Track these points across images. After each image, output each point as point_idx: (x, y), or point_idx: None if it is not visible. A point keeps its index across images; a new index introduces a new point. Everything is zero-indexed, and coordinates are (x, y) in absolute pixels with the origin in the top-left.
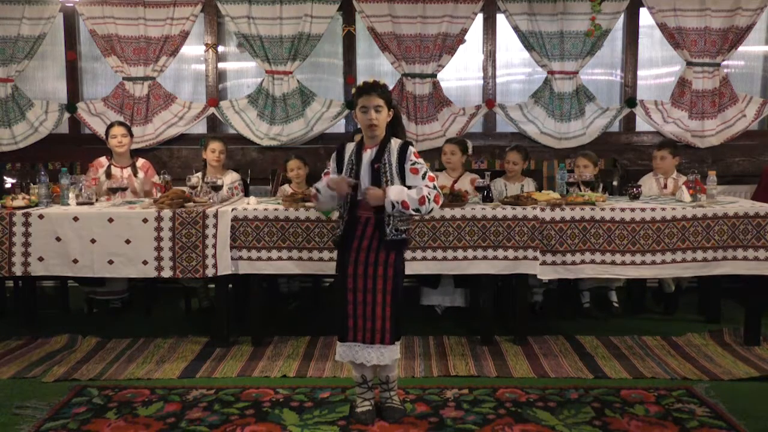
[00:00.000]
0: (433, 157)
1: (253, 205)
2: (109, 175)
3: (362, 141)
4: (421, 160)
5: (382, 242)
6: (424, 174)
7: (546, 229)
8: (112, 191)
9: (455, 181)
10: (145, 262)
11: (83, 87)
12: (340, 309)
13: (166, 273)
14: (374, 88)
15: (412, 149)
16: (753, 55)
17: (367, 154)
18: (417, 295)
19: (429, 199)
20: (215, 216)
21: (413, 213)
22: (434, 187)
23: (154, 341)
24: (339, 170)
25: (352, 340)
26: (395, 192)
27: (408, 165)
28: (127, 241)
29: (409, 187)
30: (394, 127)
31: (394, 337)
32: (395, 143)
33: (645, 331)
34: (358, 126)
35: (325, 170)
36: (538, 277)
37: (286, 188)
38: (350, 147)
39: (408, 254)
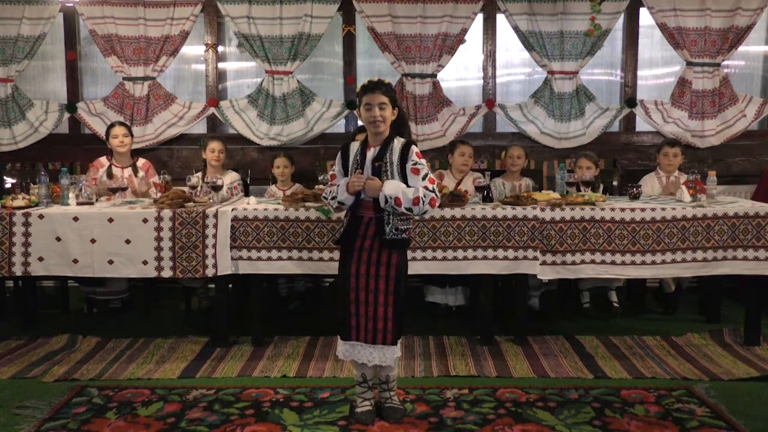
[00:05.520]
0: (432, 157)
1: (253, 205)
2: (110, 175)
3: (366, 140)
4: (423, 161)
5: (384, 241)
6: (425, 175)
7: (546, 229)
8: (113, 191)
9: (459, 183)
10: (145, 262)
11: (83, 87)
12: (342, 308)
13: (166, 273)
14: (378, 85)
15: (414, 149)
16: (753, 55)
17: (370, 153)
18: (419, 295)
19: (423, 201)
20: (215, 216)
21: (405, 211)
22: (432, 190)
23: (154, 341)
24: (345, 170)
25: (354, 340)
26: (391, 186)
27: (409, 164)
28: (127, 241)
29: (409, 187)
30: (399, 127)
31: (396, 338)
32: (398, 142)
33: (645, 331)
34: (359, 125)
35: (331, 172)
36: (538, 276)
37: (273, 189)
38: (355, 147)
39: (408, 254)
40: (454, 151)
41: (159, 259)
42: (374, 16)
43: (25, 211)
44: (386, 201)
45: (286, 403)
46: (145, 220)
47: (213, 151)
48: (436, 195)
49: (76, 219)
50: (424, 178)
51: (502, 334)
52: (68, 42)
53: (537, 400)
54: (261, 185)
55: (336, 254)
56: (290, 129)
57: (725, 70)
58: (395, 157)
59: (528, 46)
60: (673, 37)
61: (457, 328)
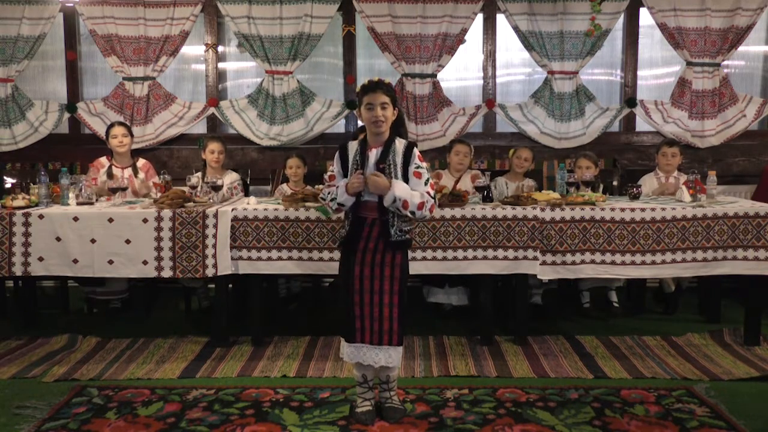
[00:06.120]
0: (432, 157)
1: (253, 205)
2: (110, 175)
3: (365, 140)
4: (424, 165)
5: (388, 243)
6: (426, 180)
7: (546, 229)
8: (113, 191)
9: (457, 181)
10: (145, 262)
11: (83, 87)
12: (346, 310)
13: (166, 273)
14: (379, 85)
15: (416, 151)
16: (753, 55)
17: (373, 154)
18: (419, 295)
19: (426, 207)
20: (215, 216)
21: (408, 214)
22: (433, 197)
23: (154, 341)
24: (344, 170)
25: (359, 342)
26: (401, 188)
27: (412, 168)
28: (127, 241)
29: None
30: (398, 127)
31: (401, 338)
32: (400, 143)
33: (645, 331)
34: (359, 125)
35: (329, 173)
36: (539, 277)
37: (285, 187)
38: (353, 146)
39: (408, 254)
40: (451, 151)
41: (159, 259)
42: (374, 16)
43: (25, 211)
44: (394, 201)
45: (286, 403)
46: (145, 220)
47: (213, 152)
48: (435, 202)
49: (76, 219)
50: (426, 183)
51: (502, 334)
52: (68, 42)
53: (537, 400)
54: (261, 185)
55: (336, 254)
56: (290, 129)
57: (725, 70)
58: (398, 159)
59: (528, 46)
60: (673, 37)
61: (457, 328)
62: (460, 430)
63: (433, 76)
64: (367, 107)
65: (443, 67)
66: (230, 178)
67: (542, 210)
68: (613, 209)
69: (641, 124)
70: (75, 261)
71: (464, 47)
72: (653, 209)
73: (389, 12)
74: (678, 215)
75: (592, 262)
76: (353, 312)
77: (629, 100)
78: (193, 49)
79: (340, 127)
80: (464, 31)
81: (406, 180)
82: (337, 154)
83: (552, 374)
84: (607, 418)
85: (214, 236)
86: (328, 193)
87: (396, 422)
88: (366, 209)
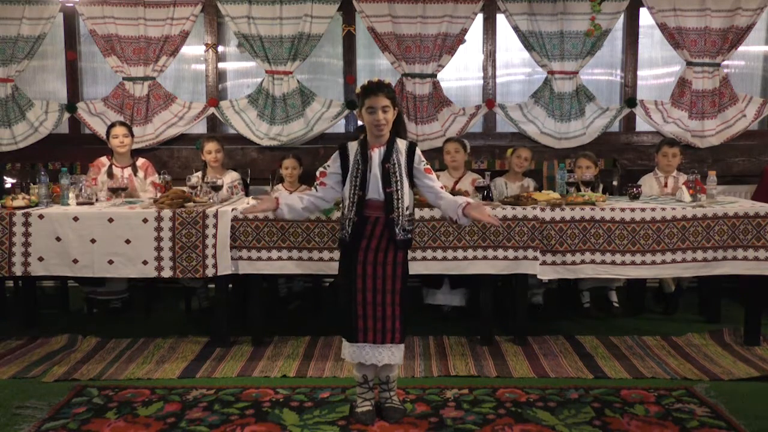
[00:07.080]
0: (432, 157)
1: None
2: (111, 175)
3: (365, 140)
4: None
5: (392, 242)
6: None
7: (546, 229)
8: (113, 191)
9: (457, 182)
10: (145, 262)
11: (83, 87)
12: (348, 310)
13: (166, 273)
14: (381, 88)
15: (418, 149)
16: (753, 55)
17: (376, 154)
18: (419, 296)
19: None
20: (215, 216)
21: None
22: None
23: (154, 341)
24: (344, 170)
25: (362, 341)
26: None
27: (422, 165)
28: (127, 241)
29: (414, 186)
30: (396, 126)
31: (403, 336)
32: (401, 143)
33: (645, 331)
34: (359, 125)
35: (321, 170)
36: (539, 277)
37: (280, 188)
38: (353, 147)
39: (408, 254)
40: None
41: (159, 259)
42: (374, 16)
43: (25, 211)
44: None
45: (286, 403)
46: (145, 220)
47: (210, 152)
48: None
49: (76, 219)
50: (437, 178)
51: (502, 334)
52: (68, 42)
53: (537, 400)
54: (261, 185)
55: (336, 254)
56: (290, 129)
57: (725, 70)
58: (402, 159)
59: (528, 46)
60: (673, 37)
61: (457, 328)
62: (460, 430)
63: (433, 76)
64: (368, 110)
65: (443, 67)
66: (230, 178)
67: (542, 210)
68: (613, 209)
69: (641, 124)
70: (75, 261)
71: (464, 47)
72: (653, 209)
73: (389, 12)
74: (678, 215)
75: (592, 262)
76: (355, 311)
77: (629, 100)
78: (193, 49)
79: (340, 127)
80: (464, 31)
81: (410, 179)
82: (336, 153)
83: (552, 374)
84: (607, 418)
85: (214, 236)
86: (315, 188)
87: (396, 422)
88: (370, 208)
